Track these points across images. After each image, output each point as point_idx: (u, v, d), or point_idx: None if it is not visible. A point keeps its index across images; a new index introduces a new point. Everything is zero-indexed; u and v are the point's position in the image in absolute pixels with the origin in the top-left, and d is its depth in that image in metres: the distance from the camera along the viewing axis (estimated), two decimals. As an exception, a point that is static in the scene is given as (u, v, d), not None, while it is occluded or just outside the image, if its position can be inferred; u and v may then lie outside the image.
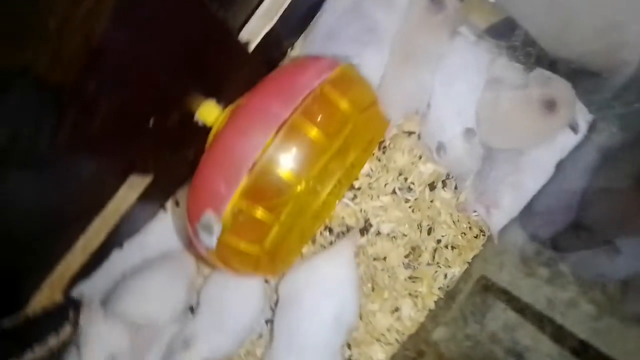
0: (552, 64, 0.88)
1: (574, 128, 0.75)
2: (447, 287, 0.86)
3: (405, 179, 0.86)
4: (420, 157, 0.86)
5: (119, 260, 0.84)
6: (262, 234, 0.51)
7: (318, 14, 0.81)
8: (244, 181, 0.48)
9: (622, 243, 0.72)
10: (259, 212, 0.49)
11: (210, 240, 0.51)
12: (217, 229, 0.49)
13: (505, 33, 0.90)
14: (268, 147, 0.48)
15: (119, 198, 0.68)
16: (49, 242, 0.65)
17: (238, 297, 0.82)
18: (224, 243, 0.52)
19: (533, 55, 0.90)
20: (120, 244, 0.84)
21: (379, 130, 0.66)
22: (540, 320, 0.76)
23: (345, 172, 0.73)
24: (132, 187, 0.68)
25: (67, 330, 0.80)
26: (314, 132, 0.48)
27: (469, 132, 0.78)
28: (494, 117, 0.77)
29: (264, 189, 0.48)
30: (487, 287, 0.84)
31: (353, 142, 0.54)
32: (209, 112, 0.57)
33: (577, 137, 0.80)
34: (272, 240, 0.52)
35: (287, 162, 0.48)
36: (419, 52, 0.80)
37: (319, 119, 0.49)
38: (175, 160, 0.64)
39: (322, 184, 0.56)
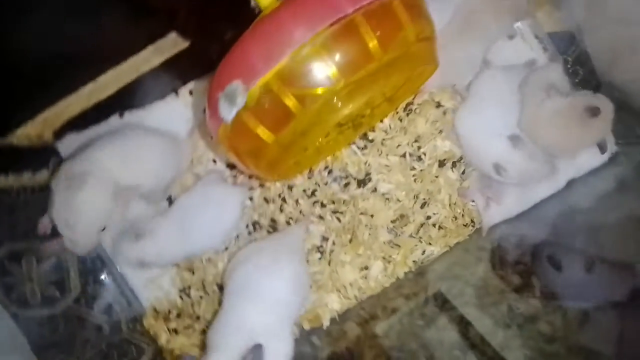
0: (596, 88, 0.87)
1: (602, 147, 0.75)
2: (422, 263, 0.86)
3: (419, 147, 0.85)
4: (440, 132, 0.85)
5: (115, 127, 0.82)
6: (281, 124, 0.49)
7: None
8: (284, 61, 0.46)
9: (600, 267, 0.72)
10: (289, 99, 0.47)
11: (229, 113, 0.49)
12: (240, 100, 0.48)
13: (562, 45, 0.89)
14: (320, 34, 0.46)
15: (142, 57, 0.66)
16: (59, 73, 0.62)
17: (216, 209, 0.80)
18: (240, 121, 0.50)
19: (580, 75, 0.90)
20: (121, 112, 0.82)
21: (424, 72, 0.64)
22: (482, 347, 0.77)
23: (365, 111, 0.72)
24: (159, 51, 0.66)
25: (43, 174, 0.78)
26: (369, 38, 0.46)
27: (514, 139, 0.75)
28: (536, 118, 0.76)
29: (302, 76, 0.46)
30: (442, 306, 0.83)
31: (395, 70, 0.52)
32: (267, -7, 0.54)
33: (596, 162, 0.80)
34: (288, 133, 0.50)
35: (333, 56, 0.46)
36: (478, 28, 0.79)
37: (378, 29, 0.47)
38: (212, 36, 0.62)
39: (345, 103, 0.53)
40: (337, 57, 0.46)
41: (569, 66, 0.88)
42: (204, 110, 0.80)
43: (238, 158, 0.57)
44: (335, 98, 0.50)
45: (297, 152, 0.61)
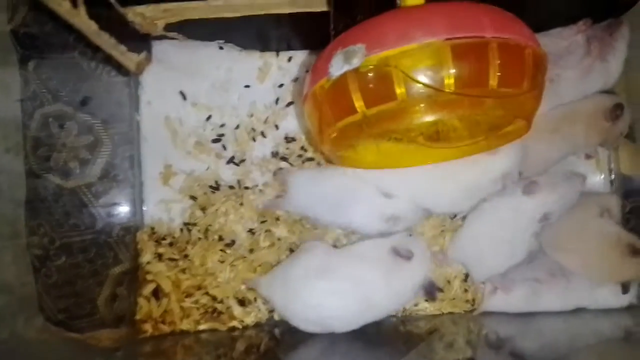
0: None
1: (625, 287, 0.77)
2: (409, 313, 0.85)
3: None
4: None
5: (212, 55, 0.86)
6: (378, 100, 0.51)
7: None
8: (414, 46, 0.49)
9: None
10: (399, 81, 0.49)
11: (339, 68, 0.51)
12: (356, 61, 0.50)
13: (628, 189, 0.91)
14: (456, 40, 0.49)
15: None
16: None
17: None
18: (343, 81, 0.52)
19: (630, 224, 0.91)
20: (225, 43, 0.85)
21: (508, 135, 0.66)
22: None
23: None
24: (294, 2, 0.69)
25: (133, 57, 0.80)
26: (492, 67, 0.49)
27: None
28: (579, 231, 0.78)
29: (421, 67, 0.49)
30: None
31: (494, 108, 0.53)
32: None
33: (615, 302, 0.81)
34: (378, 113, 0.52)
35: (455, 64, 0.49)
36: (568, 134, 0.81)
37: (504, 63, 0.49)
38: (349, 11, 0.65)
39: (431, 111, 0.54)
40: (459, 67, 0.49)
41: (625, 211, 0.90)
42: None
43: (316, 119, 0.59)
44: (424, 103, 0.51)
45: (362, 141, 0.64)
